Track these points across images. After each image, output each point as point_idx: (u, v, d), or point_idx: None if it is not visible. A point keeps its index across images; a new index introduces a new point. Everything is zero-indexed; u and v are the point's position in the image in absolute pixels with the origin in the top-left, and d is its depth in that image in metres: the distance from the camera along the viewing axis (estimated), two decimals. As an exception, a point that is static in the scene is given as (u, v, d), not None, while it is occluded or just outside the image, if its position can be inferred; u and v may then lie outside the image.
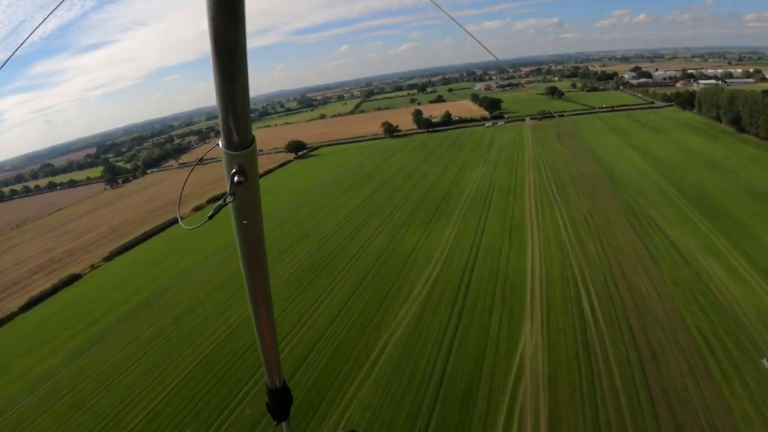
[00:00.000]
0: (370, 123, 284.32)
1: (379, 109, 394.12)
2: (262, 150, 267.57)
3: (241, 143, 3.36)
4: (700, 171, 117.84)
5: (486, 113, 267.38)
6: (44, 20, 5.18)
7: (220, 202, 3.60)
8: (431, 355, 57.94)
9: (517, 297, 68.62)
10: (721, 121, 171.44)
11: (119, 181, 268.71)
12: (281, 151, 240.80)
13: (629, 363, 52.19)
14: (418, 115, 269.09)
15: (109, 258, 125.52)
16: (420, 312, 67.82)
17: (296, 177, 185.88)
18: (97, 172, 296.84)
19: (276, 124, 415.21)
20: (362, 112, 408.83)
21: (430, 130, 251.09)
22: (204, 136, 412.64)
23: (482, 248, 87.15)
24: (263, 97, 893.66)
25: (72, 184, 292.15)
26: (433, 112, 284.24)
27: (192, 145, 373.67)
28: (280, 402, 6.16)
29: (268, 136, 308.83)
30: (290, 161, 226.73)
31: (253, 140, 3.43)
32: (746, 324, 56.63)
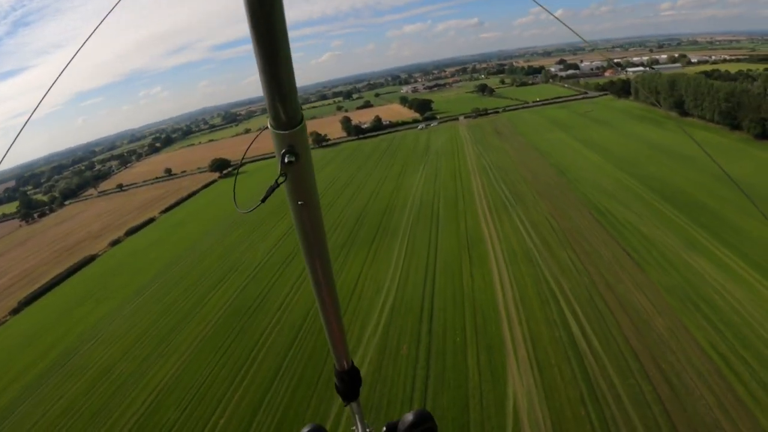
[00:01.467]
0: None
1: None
2: (185, 171, 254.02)
3: (289, 122, 3.16)
4: (658, 160, 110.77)
5: (417, 115, 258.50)
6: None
7: (272, 184, 3.36)
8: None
9: (492, 326, 56.97)
10: (660, 107, 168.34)
11: (35, 215, 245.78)
12: (205, 171, 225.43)
13: (646, 401, 42.11)
14: (346, 122, 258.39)
15: (17, 310, 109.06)
16: (378, 359, 54.89)
17: (221, 198, 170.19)
18: (13, 207, 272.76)
19: (200, 142, 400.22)
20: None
21: (361, 136, 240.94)
22: (125, 160, 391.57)
23: (439, 269, 74.87)
24: (186, 116, 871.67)
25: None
26: (362, 118, 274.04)
27: (113, 170, 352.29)
28: (349, 383, 5.93)
29: (191, 156, 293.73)
30: (215, 181, 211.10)
31: (302, 118, 3.23)
32: (760, 331, 48.19)
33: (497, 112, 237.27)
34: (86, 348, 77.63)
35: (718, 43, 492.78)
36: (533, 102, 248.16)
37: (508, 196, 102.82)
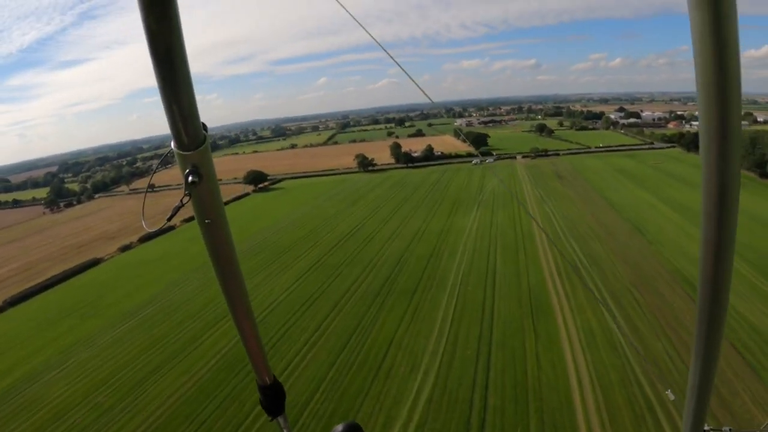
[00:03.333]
0: (344, 155, 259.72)
1: (354, 141, 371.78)
2: (221, 179, 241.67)
3: (191, 143, 3.11)
4: (748, 227, 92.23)
5: (471, 149, 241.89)
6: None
7: (177, 204, 3.25)
8: None
9: (569, 450, 40.53)
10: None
11: (61, 204, 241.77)
12: (240, 182, 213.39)
13: None
14: (396, 148, 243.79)
15: (1, 309, 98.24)
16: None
17: (249, 215, 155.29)
18: (45, 192, 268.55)
19: (244, 152, 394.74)
20: (336, 143, 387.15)
21: (410, 165, 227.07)
22: (166, 160, 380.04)
23: (496, 344, 57.67)
24: (238, 126, 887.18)
25: (15, 203, 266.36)
26: (413, 146, 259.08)
27: (152, 169, 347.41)
28: (273, 398, 5.57)
29: (231, 165, 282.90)
30: (248, 194, 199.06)
31: (204, 139, 3.18)
32: None
33: (557, 155, 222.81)
34: (49, 377, 64.10)
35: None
36: (596, 147, 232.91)
37: (578, 252, 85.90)
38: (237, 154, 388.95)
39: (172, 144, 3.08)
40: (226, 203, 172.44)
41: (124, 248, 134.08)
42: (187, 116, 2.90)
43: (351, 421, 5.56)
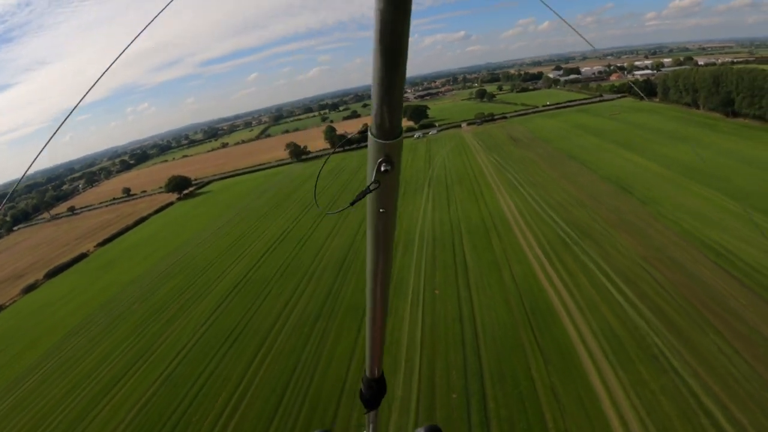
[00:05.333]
0: (276, 148, 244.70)
1: (287, 131, 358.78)
2: (144, 191, 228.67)
3: (391, 132, 3.15)
4: (742, 171, 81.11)
5: (411, 123, 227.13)
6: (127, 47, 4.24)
7: (364, 189, 3.36)
8: None
9: None
10: (699, 107, 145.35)
11: None
12: (163, 191, 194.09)
13: None
14: (330, 132, 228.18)
15: None
16: None
17: (168, 229, 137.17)
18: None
19: (174, 158, 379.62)
20: (269, 136, 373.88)
21: (347, 148, 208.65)
22: (92, 178, 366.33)
23: (490, 378, 39.62)
24: (172, 133, 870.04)
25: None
26: (349, 128, 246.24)
27: (78, 190, 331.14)
28: (375, 391, 5.79)
29: (159, 174, 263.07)
30: (171, 203, 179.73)
31: (402, 131, 3.22)
32: None
33: (505, 118, 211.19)
34: None
35: (710, 49, 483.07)
36: (543, 106, 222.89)
37: (562, 226, 69.65)
38: (166, 161, 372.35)
39: (369, 131, 3.07)
40: (144, 219, 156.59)
41: (29, 288, 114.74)
42: (395, 107, 2.88)
43: None
